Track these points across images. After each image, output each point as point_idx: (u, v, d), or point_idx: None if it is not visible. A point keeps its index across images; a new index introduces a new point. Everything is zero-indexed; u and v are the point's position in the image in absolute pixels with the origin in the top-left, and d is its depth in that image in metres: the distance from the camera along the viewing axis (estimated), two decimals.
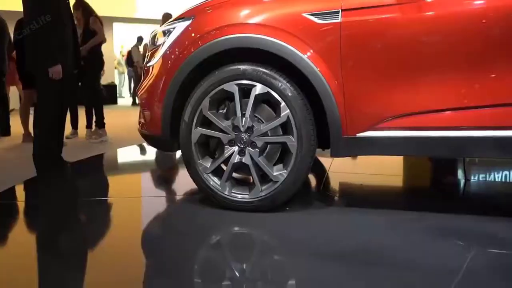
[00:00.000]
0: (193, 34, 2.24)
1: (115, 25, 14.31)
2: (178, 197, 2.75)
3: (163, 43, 2.35)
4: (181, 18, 2.35)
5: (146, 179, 3.46)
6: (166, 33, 2.37)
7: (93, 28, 5.16)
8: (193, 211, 2.33)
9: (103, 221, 2.33)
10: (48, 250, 1.93)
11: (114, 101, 12.73)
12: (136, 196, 2.81)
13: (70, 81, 3.95)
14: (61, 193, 2.91)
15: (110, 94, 11.90)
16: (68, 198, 2.77)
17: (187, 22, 2.29)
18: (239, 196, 2.19)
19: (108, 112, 5.89)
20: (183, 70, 2.22)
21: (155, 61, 2.36)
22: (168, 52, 2.30)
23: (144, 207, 2.58)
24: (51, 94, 3.63)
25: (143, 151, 4.67)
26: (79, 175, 3.60)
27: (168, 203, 2.65)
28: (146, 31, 14.56)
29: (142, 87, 2.45)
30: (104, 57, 5.47)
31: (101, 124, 5.20)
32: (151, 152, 4.53)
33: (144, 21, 14.77)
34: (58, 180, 3.34)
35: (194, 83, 2.24)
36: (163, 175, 3.58)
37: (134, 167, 4.14)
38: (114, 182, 3.35)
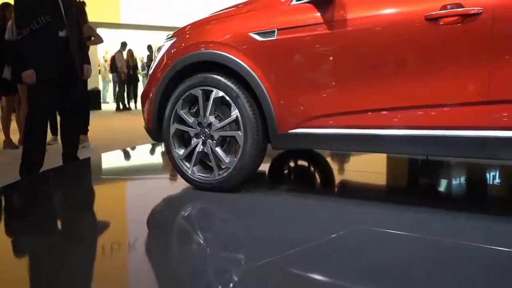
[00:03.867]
0: (173, 51, 2.87)
1: (99, 30, 13.63)
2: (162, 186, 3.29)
3: (156, 56, 3.01)
4: (170, 37, 2.98)
5: (128, 182, 3.62)
6: (159, 49, 3.03)
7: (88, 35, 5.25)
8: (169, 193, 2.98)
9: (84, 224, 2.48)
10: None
11: (98, 107, 12.65)
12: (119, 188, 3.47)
13: (67, 87, 3.77)
14: (41, 200, 2.97)
15: (94, 100, 11.84)
16: (48, 205, 2.87)
17: (172, 41, 2.93)
18: (203, 178, 2.76)
19: (91, 118, 5.88)
20: (165, 78, 2.86)
21: (151, 71, 3.03)
22: (158, 64, 2.96)
23: (128, 187, 3.26)
24: (36, 101, 3.59)
25: (126, 156, 4.93)
26: (58, 181, 3.60)
27: (150, 188, 3.24)
28: (130, 37, 14.42)
29: (143, 91, 3.13)
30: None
31: (84, 130, 5.18)
32: (135, 157, 4.94)
33: (128, 26, 14.68)
34: (37, 187, 3.38)
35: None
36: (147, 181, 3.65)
37: (115, 172, 4.26)
38: (97, 188, 3.44)
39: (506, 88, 2.02)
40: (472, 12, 2.04)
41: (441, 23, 2.10)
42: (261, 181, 3.22)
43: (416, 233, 2.07)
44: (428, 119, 2.18)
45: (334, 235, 2.04)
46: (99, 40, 5.82)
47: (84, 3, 5.55)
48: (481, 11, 2.02)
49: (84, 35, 4.87)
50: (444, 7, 2.11)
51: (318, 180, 3.54)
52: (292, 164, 4.07)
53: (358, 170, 3.84)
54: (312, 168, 3.95)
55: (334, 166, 4.00)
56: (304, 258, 1.81)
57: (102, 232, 2.34)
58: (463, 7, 2.06)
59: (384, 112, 2.28)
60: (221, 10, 2.95)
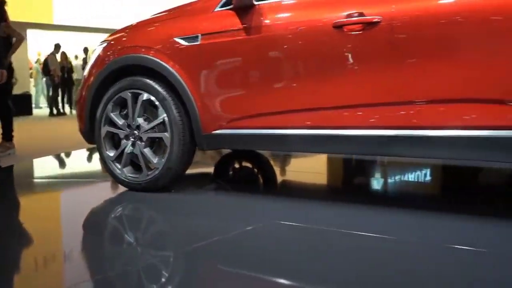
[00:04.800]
0: (105, 54, 2.95)
1: (30, 31, 13.13)
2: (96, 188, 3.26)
3: (90, 59, 3.07)
4: (103, 41, 3.04)
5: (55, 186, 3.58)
6: (94, 52, 3.09)
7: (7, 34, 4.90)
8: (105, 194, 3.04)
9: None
10: None
11: (29, 112, 11.94)
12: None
13: None
14: None
15: (25, 105, 11.39)
16: None
17: (105, 44, 2.99)
18: (133, 178, 2.83)
19: (21, 124, 5.57)
20: (97, 80, 2.93)
21: (85, 73, 3.09)
22: (91, 66, 3.03)
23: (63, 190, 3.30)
24: None
25: (58, 161, 4.81)
26: None
27: (84, 190, 3.29)
28: (64, 39, 13.45)
29: (77, 93, 3.17)
30: (18, 65, 5.18)
31: (9, 137, 4.99)
32: (67, 162, 4.85)
33: (62, 28, 13.91)
34: None
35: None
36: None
37: (43, 177, 4.14)
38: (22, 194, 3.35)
39: (404, 90, 2.18)
40: (373, 20, 2.21)
41: (346, 30, 2.26)
42: (193, 181, 3.32)
43: (336, 227, 2.18)
44: (338, 120, 2.33)
45: (249, 228, 2.17)
46: (20, 39, 5.21)
47: (3, 2, 5.13)
48: (380, 19, 2.19)
49: (1, 34, 4.63)
50: (349, 16, 2.27)
51: (255, 179, 3.65)
52: (236, 165, 4.20)
53: (298, 170, 3.98)
54: (252, 168, 4.08)
55: (275, 166, 4.12)
56: (213, 251, 1.93)
57: (32, 236, 2.36)
58: (364, 15, 2.23)
59: (298, 114, 2.42)
60: (153, 15, 3.04)
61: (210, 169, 4.04)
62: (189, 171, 2.97)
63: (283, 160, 4.30)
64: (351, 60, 2.27)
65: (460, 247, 1.91)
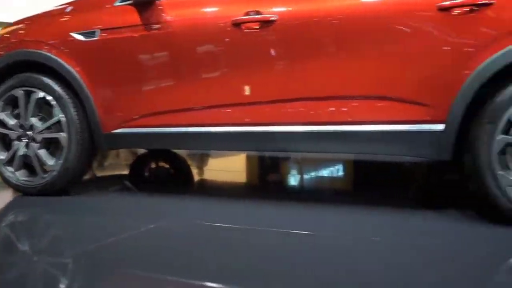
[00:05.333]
0: (0, 46, 2.72)
1: None
2: None
3: None
4: None
5: None
6: None
7: None
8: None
9: None
10: None
11: None
12: None
13: None
14: None
15: None
16: None
17: None
18: (28, 182, 2.64)
19: None
20: None
21: None
22: None
23: None
24: None
25: None
26: None
27: None
28: None
29: None
30: None
31: None
32: None
33: None
34: None
35: None
36: None
37: None
38: None
39: (300, 87, 2.23)
40: (269, 19, 2.23)
41: (244, 28, 2.27)
42: (100, 183, 3.20)
43: (252, 225, 2.16)
44: (237, 117, 2.32)
45: (150, 227, 2.09)
46: None
47: None
48: (276, 18, 2.22)
49: None
50: (247, 13, 2.28)
51: (171, 179, 3.58)
52: (152, 165, 4.08)
53: (215, 169, 3.97)
54: (168, 168, 4.00)
55: (192, 165, 4.06)
56: (111, 252, 1.83)
57: None
58: (261, 14, 2.25)
59: (199, 111, 2.38)
60: (51, 9, 2.87)
61: (123, 171, 3.91)
62: (99, 174, 2.85)
63: (200, 159, 4.26)
64: (249, 58, 2.27)
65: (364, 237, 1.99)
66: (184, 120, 2.39)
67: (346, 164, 3.84)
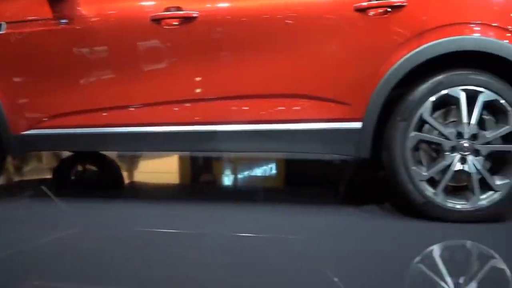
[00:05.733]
0: None
1: None
2: None
3: None
4: None
5: None
6: None
7: None
8: None
9: None
10: None
11: None
12: None
13: None
14: None
15: None
16: None
17: None
18: None
19: None
20: None
21: None
22: None
23: None
24: None
25: None
26: None
27: None
28: None
29: None
30: None
31: None
32: None
33: None
34: None
35: None
36: None
37: None
38: None
39: (222, 86, 2.19)
40: (190, 15, 2.17)
41: (163, 24, 2.19)
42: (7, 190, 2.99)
43: (170, 228, 2.10)
44: (153, 117, 2.24)
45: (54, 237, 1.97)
46: None
47: None
48: (197, 15, 2.17)
49: None
50: (167, 9, 2.20)
51: (98, 183, 3.41)
52: (78, 168, 3.86)
53: (146, 171, 3.83)
54: (95, 171, 3.81)
55: (122, 167, 3.91)
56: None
57: None
58: (182, 10, 2.19)
59: (115, 111, 2.27)
60: None
61: (46, 175, 3.68)
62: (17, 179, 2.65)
63: (130, 161, 4.11)
64: (169, 56, 2.21)
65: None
66: (100, 121, 2.28)
67: (279, 163, 3.88)
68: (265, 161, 3.84)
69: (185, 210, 2.40)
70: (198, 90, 2.19)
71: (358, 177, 3.49)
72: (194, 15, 2.15)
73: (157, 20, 2.18)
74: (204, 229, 2.10)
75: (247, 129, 2.16)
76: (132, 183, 3.42)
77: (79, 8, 2.27)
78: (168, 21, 2.18)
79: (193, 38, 2.17)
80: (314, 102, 2.13)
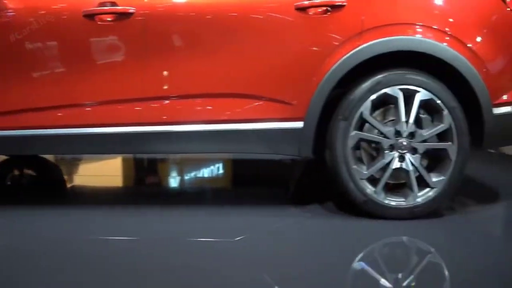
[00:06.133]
0: None
1: None
2: None
3: None
4: None
5: None
6: None
7: None
8: None
9: None
10: None
11: None
12: None
13: None
14: None
15: None
16: None
17: None
18: None
19: None
20: None
21: None
22: None
23: None
24: None
25: None
26: None
27: None
28: None
29: None
30: None
31: None
32: None
33: None
34: None
35: None
36: None
37: None
38: None
39: (159, 86, 2.10)
40: (126, 11, 2.06)
41: (97, 20, 2.08)
42: None
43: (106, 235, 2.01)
44: (85, 117, 2.12)
45: None
46: None
47: None
48: (133, 10, 2.06)
49: None
50: (101, 4, 2.08)
51: (36, 188, 3.22)
52: (15, 172, 3.63)
53: (88, 174, 3.65)
54: (34, 176, 3.59)
55: (63, 171, 3.70)
56: None
57: None
58: (117, 5, 2.07)
59: (46, 112, 2.13)
60: None
61: None
62: None
63: (70, 164, 3.90)
64: (104, 53, 2.11)
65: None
66: (28, 122, 2.12)
67: (226, 163, 3.83)
68: (212, 161, 3.79)
69: (127, 216, 2.30)
70: (134, 90, 2.09)
71: (306, 177, 3.51)
72: (131, 11, 2.06)
73: (90, 16, 2.07)
74: (147, 234, 2.03)
75: (186, 130, 2.09)
76: (73, 188, 3.25)
77: (5, 1, 2.12)
78: (102, 16, 2.07)
79: (130, 35, 2.07)
80: (256, 101, 2.09)
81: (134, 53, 2.10)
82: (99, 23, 2.07)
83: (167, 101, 2.11)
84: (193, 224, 2.15)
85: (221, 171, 3.69)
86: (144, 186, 3.36)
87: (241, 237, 1.95)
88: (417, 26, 2.09)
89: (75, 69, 2.11)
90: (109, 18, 2.07)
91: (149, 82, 2.09)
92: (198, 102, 2.10)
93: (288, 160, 3.75)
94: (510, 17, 2.19)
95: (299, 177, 3.49)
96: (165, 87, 2.10)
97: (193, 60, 2.08)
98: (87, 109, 2.11)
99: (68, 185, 3.31)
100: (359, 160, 2.17)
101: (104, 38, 2.09)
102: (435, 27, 2.09)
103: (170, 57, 2.08)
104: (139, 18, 2.06)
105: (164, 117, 2.10)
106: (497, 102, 2.12)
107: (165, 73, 2.09)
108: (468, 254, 1.84)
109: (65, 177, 3.60)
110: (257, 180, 3.31)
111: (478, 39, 2.11)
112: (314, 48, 2.07)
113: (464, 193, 2.54)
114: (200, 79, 2.09)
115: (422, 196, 2.11)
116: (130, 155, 3.90)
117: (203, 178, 3.41)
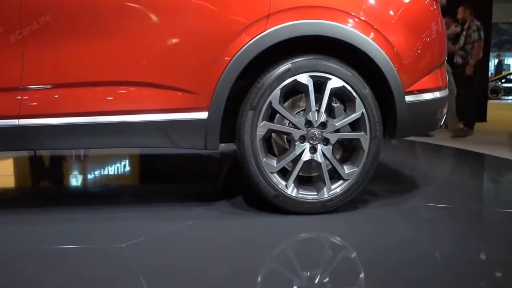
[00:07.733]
0: None
1: None
2: None
3: None
4: None
5: None
6: None
7: None
8: None
9: None
10: None
11: None
12: None
13: None
14: None
15: None
16: None
17: None
18: None
19: None
20: None
21: None
22: None
23: None
24: None
25: None
26: None
27: None
28: None
29: None
30: None
31: None
32: None
33: None
34: None
35: None
36: None
37: None
38: None
39: (41, 72, 1.83)
40: None
41: None
42: None
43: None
44: None
45: None
46: None
47: None
48: None
49: None
50: None
51: None
52: None
53: None
54: None
55: None
56: None
57: None
58: None
59: None
60: None
61: None
62: None
63: None
64: None
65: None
66: None
67: (132, 159, 3.56)
68: (118, 158, 3.52)
69: (19, 221, 2.02)
70: (15, 78, 1.79)
71: (215, 172, 3.32)
72: None
73: None
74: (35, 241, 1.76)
75: (70, 123, 1.82)
76: None
77: None
78: None
79: (5, 13, 1.77)
80: (154, 90, 1.87)
81: (17, 38, 1.77)
82: None
83: (53, 90, 1.83)
84: (78, 231, 1.88)
85: (127, 167, 3.42)
86: (41, 186, 3.03)
87: (134, 241, 1.74)
88: (328, 10, 1.96)
89: None
90: None
91: (31, 70, 1.80)
92: (86, 91, 1.83)
93: (204, 155, 3.52)
94: (425, 6, 2.15)
95: (208, 173, 3.30)
96: (50, 75, 1.82)
97: (81, 45, 1.82)
98: None
99: None
100: (272, 153, 2.06)
101: None
102: (344, 10, 1.97)
103: (55, 43, 1.80)
104: None
105: (48, 109, 1.81)
106: (409, 89, 2.07)
107: (50, 59, 1.82)
108: (383, 247, 1.74)
109: None
110: (163, 177, 3.06)
111: (389, 22, 2.03)
112: (216, 34, 1.88)
113: (377, 183, 2.48)
114: (89, 66, 1.83)
115: (336, 188, 2.01)
116: (23, 153, 3.57)
117: (111, 176, 3.09)
